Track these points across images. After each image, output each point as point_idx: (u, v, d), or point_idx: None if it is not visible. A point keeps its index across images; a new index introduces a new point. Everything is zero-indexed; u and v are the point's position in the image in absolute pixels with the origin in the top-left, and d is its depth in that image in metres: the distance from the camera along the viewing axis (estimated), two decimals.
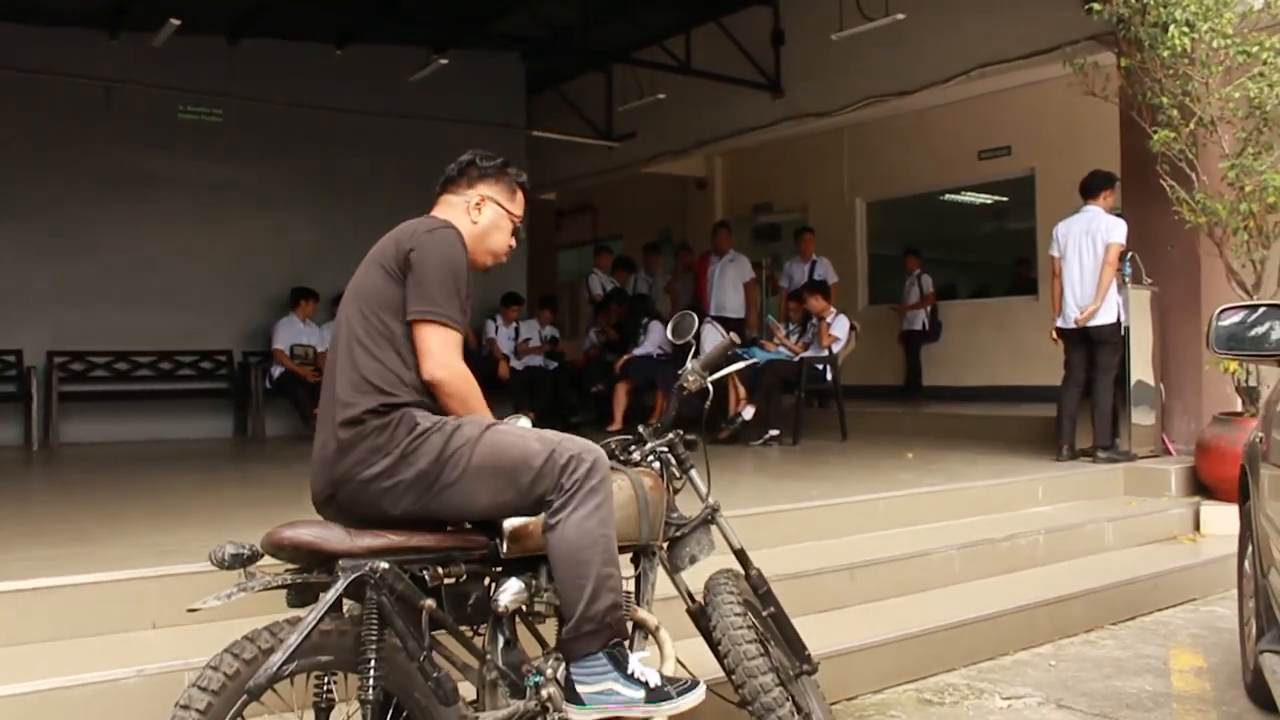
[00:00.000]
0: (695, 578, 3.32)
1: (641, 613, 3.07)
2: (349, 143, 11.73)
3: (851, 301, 13.17)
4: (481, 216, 3.01)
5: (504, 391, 11.04)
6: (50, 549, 4.54)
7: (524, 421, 3.07)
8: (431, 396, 2.79)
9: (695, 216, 15.94)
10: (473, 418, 2.79)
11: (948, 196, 13.87)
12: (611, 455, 3.19)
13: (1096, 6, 6.65)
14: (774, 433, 9.27)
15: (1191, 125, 6.57)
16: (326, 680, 2.56)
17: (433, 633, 2.66)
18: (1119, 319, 7.53)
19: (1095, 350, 7.63)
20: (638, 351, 10.59)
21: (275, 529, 2.58)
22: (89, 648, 3.59)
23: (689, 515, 3.34)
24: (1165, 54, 6.27)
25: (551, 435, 2.83)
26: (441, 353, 2.75)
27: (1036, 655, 4.89)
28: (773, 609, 3.34)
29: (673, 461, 3.32)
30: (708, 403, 3.46)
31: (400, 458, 2.67)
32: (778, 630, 3.35)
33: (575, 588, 2.68)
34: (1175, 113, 6.53)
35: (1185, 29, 6.19)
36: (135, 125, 10.78)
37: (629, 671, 2.70)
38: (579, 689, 2.68)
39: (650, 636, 3.04)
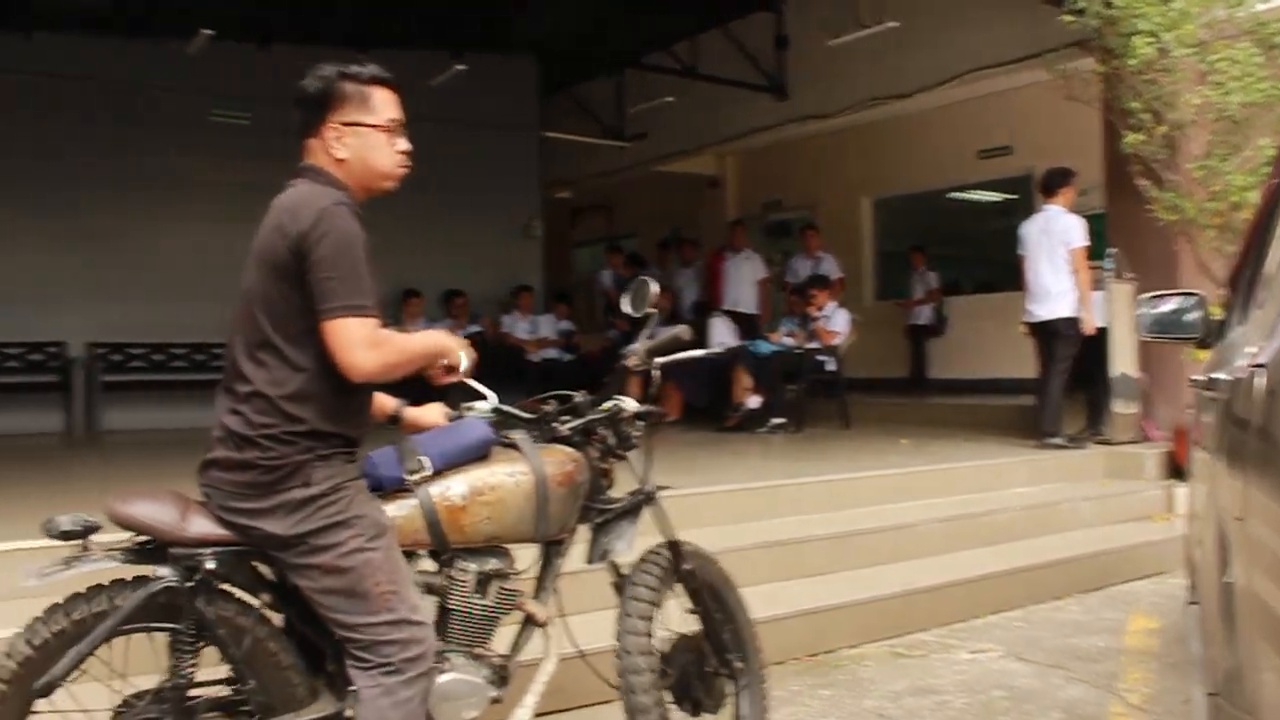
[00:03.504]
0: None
1: (532, 605, 2.91)
2: None
3: (859, 297, 13.53)
4: (343, 148, 2.58)
5: (522, 381, 11.44)
6: None
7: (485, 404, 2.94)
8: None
9: (708, 214, 16.26)
10: (374, 505, 2.56)
11: (952, 194, 14.23)
12: (542, 423, 3.01)
13: (1068, 18, 7.03)
14: (778, 421, 9.67)
15: (1164, 128, 6.95)
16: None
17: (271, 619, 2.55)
18: (1075, 314, 7.74)
19: (1050, 342, 7.90)
20: None
21: (113, 500, 2.41)
22: None
23: (621, 498, 3.11)
24: (1133, 62, 6.66)
25: (416, 599, 2.57)
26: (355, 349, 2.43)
27: (1007, 618, 5.33)
28: (703, 606, 3.23)
29: (612, 439, 3.06)
30: (652, 388, 3.23)
31: (275, 507, 2.42)
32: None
33: None
34: (1147, 116, 6.90)
35: (1150, 38, 6.57)
36: (167, 128, 11.15)
37: None
38: None
39: (542, 630, 2.94)
